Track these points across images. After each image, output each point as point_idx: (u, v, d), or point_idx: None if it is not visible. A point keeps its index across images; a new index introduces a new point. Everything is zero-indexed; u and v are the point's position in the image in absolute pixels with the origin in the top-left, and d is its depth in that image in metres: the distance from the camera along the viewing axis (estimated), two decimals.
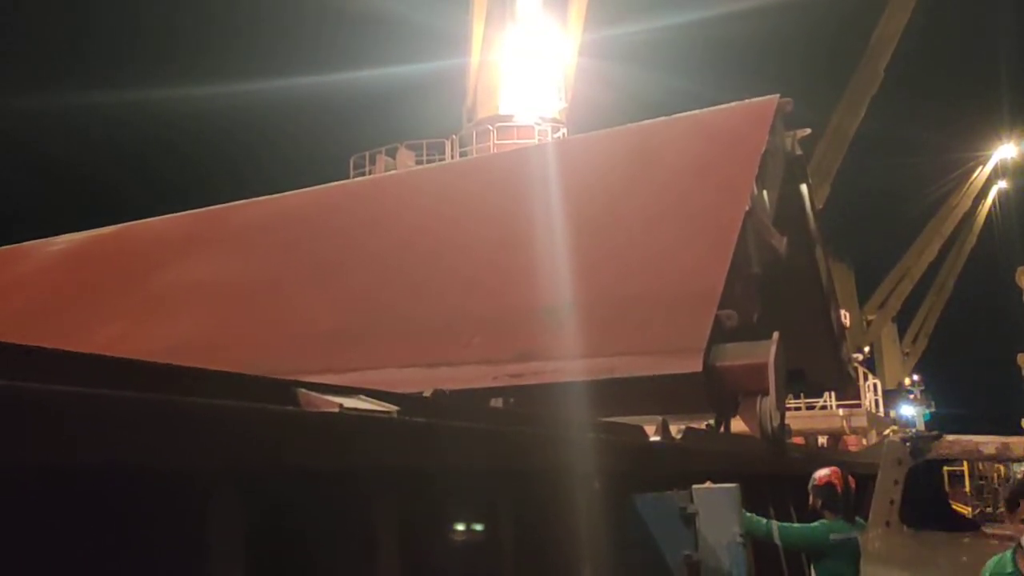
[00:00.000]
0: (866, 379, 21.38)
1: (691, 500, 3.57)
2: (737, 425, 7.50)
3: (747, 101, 8.58)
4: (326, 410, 2.02)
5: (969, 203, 57.39)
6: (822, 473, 5.21)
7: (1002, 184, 59.50)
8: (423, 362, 8.38)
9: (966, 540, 4.67)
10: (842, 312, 34.74)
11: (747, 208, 7.45)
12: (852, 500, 5.11)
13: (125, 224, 13.86)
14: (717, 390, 6.69)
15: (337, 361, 8.84)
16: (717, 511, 3.57)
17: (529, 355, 7.94)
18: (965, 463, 25.15)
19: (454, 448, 2.53)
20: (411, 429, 2.29)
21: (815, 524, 5.09)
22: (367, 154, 19.78)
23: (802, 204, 9.08)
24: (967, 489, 25.33)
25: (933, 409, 48.62)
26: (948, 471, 25.02)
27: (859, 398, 19.74)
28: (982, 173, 58.31)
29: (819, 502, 5.10)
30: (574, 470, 3.09)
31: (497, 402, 3.44)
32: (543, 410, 3.89)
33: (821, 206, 36.57)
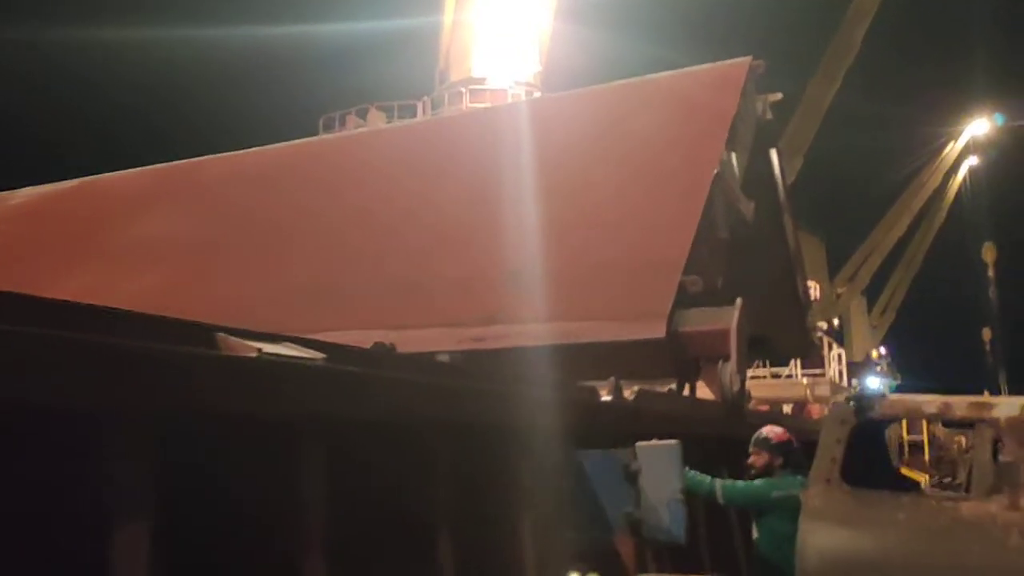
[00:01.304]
0: (831, 349, 21.60)
1: (635, 457, 3.56)
2: (702, 391, 7.53)
3: (719, 63, 8.49)
4: (242, 354, 1.94)
5: (940, 179, 57.79)
6: (776, 430, 5.16)
7: (973, 160, 59.93)
8: (387, 324, 8.29)
9: (905, 499, 4.70)
10: (813, 284, 35.05)
11: (716, 172, 7.39)
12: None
13: (86, 178, 13.55)
14: (679, 355, 6.68)
15: (298, 321, 8.71)
16: (659, 469, 3.56)
17: (493, 318, 7.89)
18: (924, 433, 25.57)
19: (386, 399, 2.46)
20: (336, 377, 2.22)
21: (757, 482, 5.04)
22: (337, 115, 19.46)
23: (771, 170, 9.04)
24: (926, 458, 25.82)
25: (899, 381, 49.41)
26: (908, 440, 25.49)
27: (823, 367, 19.96)
28: (953, 148, 58.68)
29: (779, 459, 5.01)
30: (518, 426, 3.04)
31: (444, 357, 3.37)
32: (491, 367, 3.86)
33: (794, 178, 36.62)
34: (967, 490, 6.73)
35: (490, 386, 3.12)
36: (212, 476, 1.90)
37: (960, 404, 4.88)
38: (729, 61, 8.50)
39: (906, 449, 25.62)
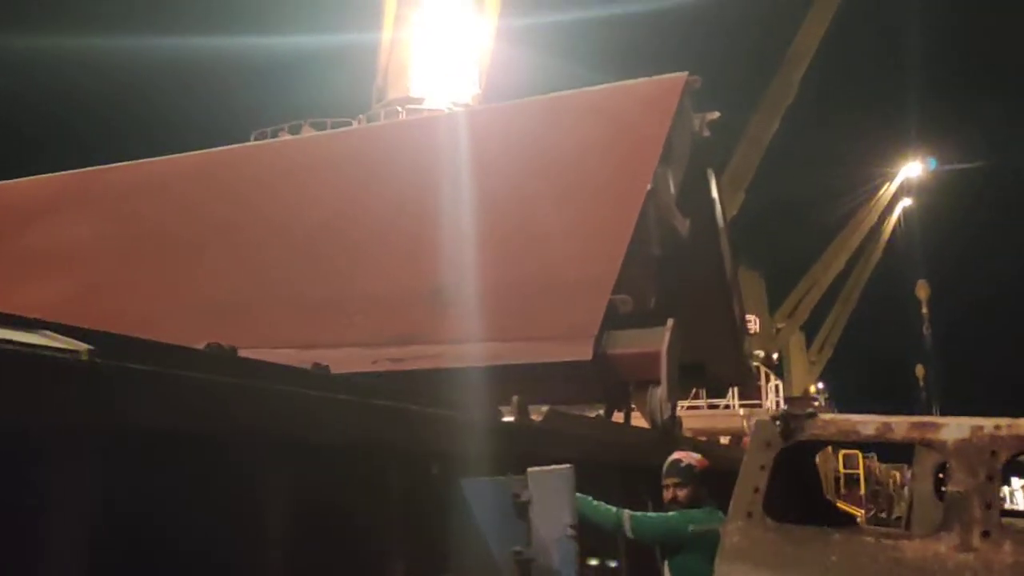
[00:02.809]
0: (768, 380, 21.42)
1: (526, 486, 3.03)
2: (639, 418, 7.07)
3: (655, 78, 8.15)
4: None
5: (876, 218, 59.21)
6: (695, 456, 4.56)
7: (907, 201, 61.62)
8: (298, 343, 7.70)
9: (837, 537, 4.10)
10: (753, 318, 35.18)
11: (649, 187, 7.00)
12: None
13: None
14: (608, 379, 6.23)
15: (206, 337, 8.09)
16: (550, 499, 3.04)
17: (412, 338, 7.38)
18: (861, 467, 25.57)
19: (179, 404, 1.92)
20: (101, 374, 1.67)
21: (671, 514, 4.42)
22: (269, 130, 18.75)
23: (708, 189, 8.70)
24: (862, 492, 25.81)
25: None
26: (845, 474, 25.44)
27: (761, 399, 19.74)
28: (888, 189, 60.26)
29: (703, 491, 4.41)
30: (382, 448, 2.50)
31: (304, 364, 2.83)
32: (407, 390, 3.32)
33: (735, 213, 36.99)
34: (907, 526, 6.25)
35: (339, 397, 2.58)
36: None
37: (901, 424, 4.21)
38: (665, 76, 8.17)
39: (842, 482, 25.58)
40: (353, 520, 2.53)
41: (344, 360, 7.36)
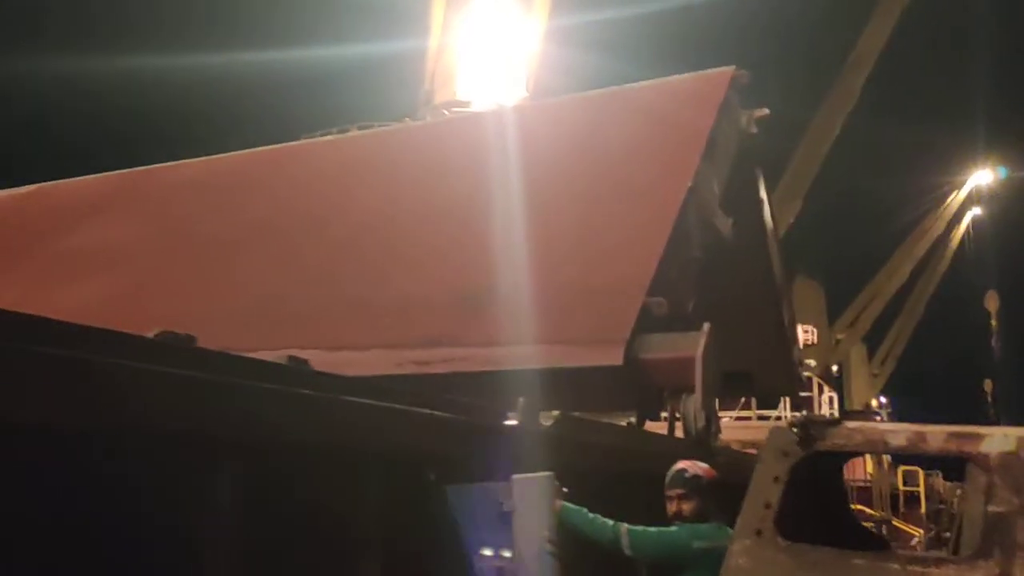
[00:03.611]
0: (821, 392, 20.60)
1: (511, 494, 2.75)
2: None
3: (700, 73, 7.82)
4: None
5: (943, 227, 57.32)
6: (703, 466, 4.10)
7: (976, 211, 59.56)
8: (327, 344, 7.59)
9: (859, 561, 3.59)
10: (811, 328, 34.04)
11: (690, 185, 6.68)
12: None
13: (42, 184, 12.93)
14: (639, 385, 5.92)
15: (235, 339, 8.02)
16: (532, 509, 2.75)
17: (440, 341, 7.17)
18: (922, 485, 24.52)
19: (119, 397, 1.70)
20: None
21: (674, 528, 3.99)
22: (317, 134, 18.79)
23: (756, 188, 8.31)
24: (923, 511, 24.77)
25: None
26: (905, 491, 24.39)
27: (814, 411, 19.02)
28: (957, 198, 58.31)
29: (708, 505, 3.99)
30: (362, 449, 2.26)
31: (282, 357, 2.60)
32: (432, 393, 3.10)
33: (793, 220, 36.07)
34: (955, 549, 5.71)
35: (304, 392, 2.34)
36: None
37: (936, 435, 3.68)
38: (711, 71, 7.83)
39: (901, 501, 24.57)
40: (327, 526, 2.30)
41: (370, 362, 7.25)
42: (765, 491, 3.55)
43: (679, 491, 4.05)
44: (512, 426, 3.25)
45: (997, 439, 3.52)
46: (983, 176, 58.56)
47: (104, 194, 11.69)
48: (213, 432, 2.04)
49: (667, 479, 4.10)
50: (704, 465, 4.13)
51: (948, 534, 27.53)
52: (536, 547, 2.68)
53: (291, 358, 2.52)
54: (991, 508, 3.31)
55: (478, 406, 3.22)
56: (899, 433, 3.74)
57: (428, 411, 2.67)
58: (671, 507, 4.06)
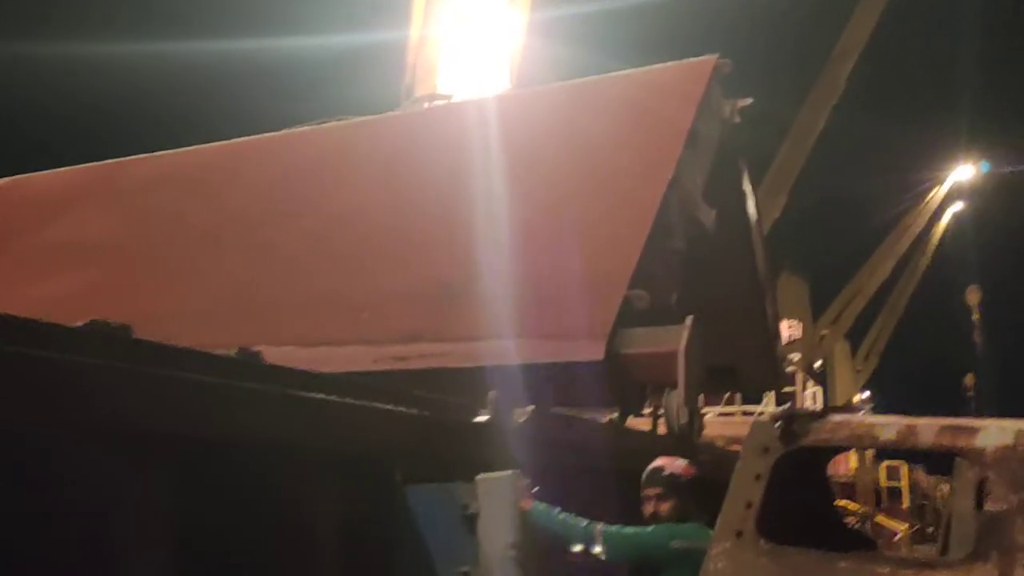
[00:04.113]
0: (805, 387, 20.55)
1: (476, 495, 2.59)
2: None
3: (682, 61, 7.67)
4: None
5: (924, 222, 57.58)
6: (681, 463, 3.90)
7: (958, 205, 59.84)
8: (304, 340, 7.42)
9: (844, 564, 3.39)
10: (795, 323, 34.08)
11: (672, 176, 6.54)
12: None
13: (14, 178, 12.64)
14: (621, 381, 5.77)
15: (209, 335, 7.82)
16: (497, 511, 2.59)
17: (420, 335, 7.03)
18: (904, 479, 24.59)
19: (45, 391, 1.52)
20: None
21: (651, 528, 3.80)
22: (296, 129, 18.48)
23: (739, 179, 8.18)
24: (905, 505, 24.84)
25: None
26: (888, 486, 24.43)
27: (799, 406, 19.00)
28: (938, 193, 58.58)
29: (688, 504, 3.80)
30: (316, 447, 2.10)
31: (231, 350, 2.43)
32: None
33: (778, 216, 36.08)
34: (944, 548, 5.57)
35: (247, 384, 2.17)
36: None
37: (928, 428, 3.45)
38: (693, 59, 7.69)
39: (884, 496, 24.58)
40: (268, 528, 2.13)
41: (347, 357, 7.08)
42: (746, 490, 3.37)
43: (656, 490, 3.89)
44: (481, 423, 3.08)
45: (993, 432, 3.31)
46: (965, 171, 58.85)
47: (75, 187, 11.43)
48: (146, 428, 1.88)
49: (643, 477, 3.94)
50: (683, 462, 3.97)
51: (931, 529, 27.71)
52: (500, 552, 2.51)
53: (241, 350, 2.34)
54: (988, 506, 3.14)
55: (444, 402, 3.05)
56: (888, 427, 3.55)
57: (387, 407, 2.51)
58: (648, 507, 3.90)
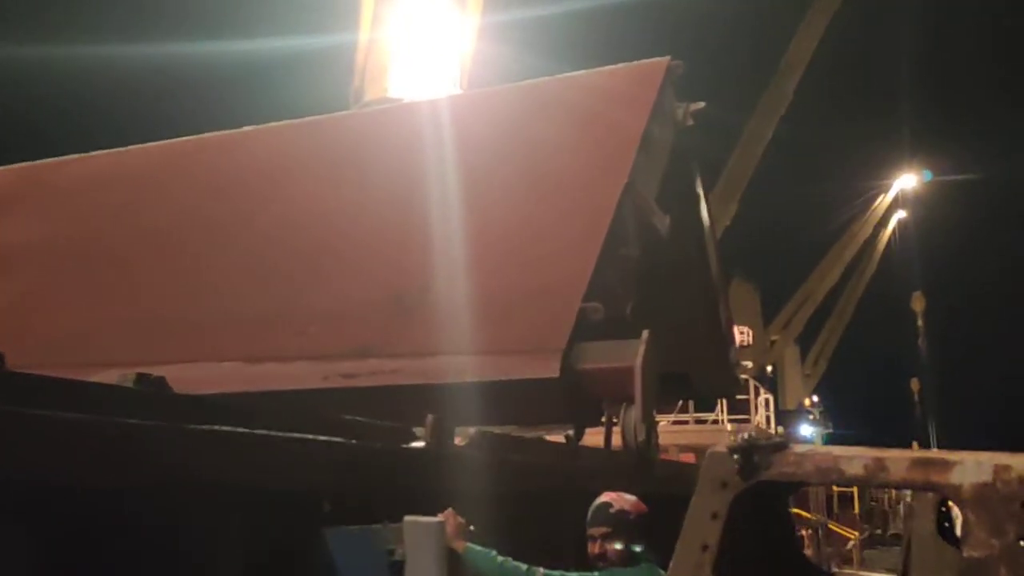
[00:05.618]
0: (758, 394, 20.60)
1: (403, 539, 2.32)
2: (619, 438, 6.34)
3: (634, 63, 7.48)
4: None
5: (870, 230, 58.84)
6: (630, 499, 3.57)
7: (902, 213, 61.32)
8: (245, 356, 7.03)
9: None
10: (746, 330, 34.40)
11: (626, 181, 6.32)
12: None
13: None
14: (576, 397, 5.52)
15: (140, 352, 7.38)
16: (423, 558, 2.33)
17: (368, 350, 6.68)
18: (855, 487, 24.86)
19: None
20: None
21: (598, 572, 3.47)
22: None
23: (692, 183, 8.02)
24: (856, 511, 25.09)
25: (831, 431, 49.42)
26: (838, 493, 24.65)
27: (750, 413, 18.96)
28: (883, 201, 59.93)
29: (639, 544, 3.46)
30: (220, 486, 1.80)
31: (126, 380, 2.12)
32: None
33: (728, 223, 36.43)
34: (904, 574, 5.34)
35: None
36: None
37: (898, 462, 3.20)
38: (645, 61, 7.50)
39: (835, 503, 24.78)
40: None
41: (294, 374, 6.71)
42: (701, 530, 3.05)
43: (602, 529, 3.56)
44: (415, 450, 2.80)
45: (970, 467, 3.06)
46: (909, 180, 60.27)
47: (4, 187, 10.83)
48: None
49: (588, 515, 3.61)
50: (631, 498, 3.64)
51: (880, 531, 27.87)
52: None
53: (140, 376, 2.04)
54: (967, 551, 2.89)
55: (375, 427, 2.75)
56: (855, 460, 3.26)
57: (301, 436, 2.22)
58: (593, 548, 3.57)
